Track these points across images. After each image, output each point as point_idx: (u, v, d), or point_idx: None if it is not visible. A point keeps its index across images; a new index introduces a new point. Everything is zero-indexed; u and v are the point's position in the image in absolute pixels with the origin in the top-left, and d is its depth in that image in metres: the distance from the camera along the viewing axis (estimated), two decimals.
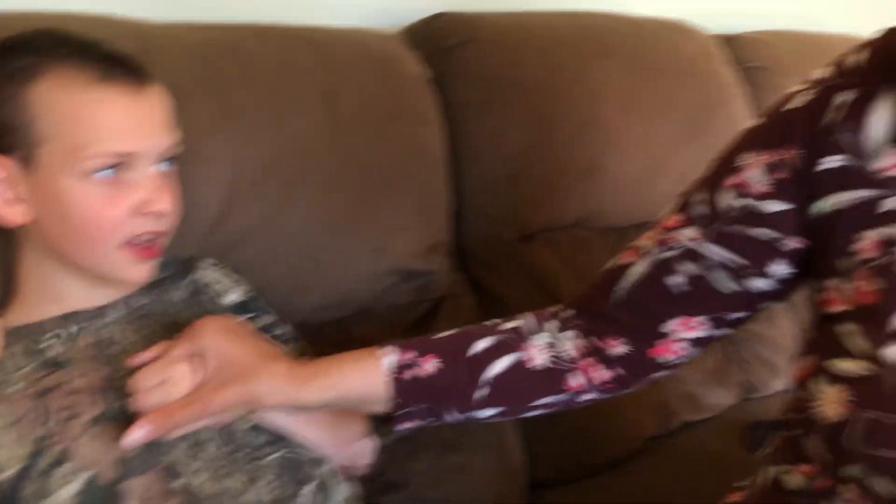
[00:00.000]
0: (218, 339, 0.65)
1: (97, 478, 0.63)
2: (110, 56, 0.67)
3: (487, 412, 0.71)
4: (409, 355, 0.68)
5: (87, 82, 0.65)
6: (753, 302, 0.69)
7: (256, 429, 0.70)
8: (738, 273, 0.67)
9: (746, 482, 0.75)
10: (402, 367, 0.67)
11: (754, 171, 0.66)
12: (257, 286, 0.84)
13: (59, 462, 0.63)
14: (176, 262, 0.79)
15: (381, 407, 0.68)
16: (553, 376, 0.72)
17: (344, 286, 0.95)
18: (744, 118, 1.32)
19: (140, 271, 0.70)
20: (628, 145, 1.17)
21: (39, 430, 0.64)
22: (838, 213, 0.62)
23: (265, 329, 0.79)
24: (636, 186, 1.19)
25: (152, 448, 0.64)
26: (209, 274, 0.80)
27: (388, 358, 0.68)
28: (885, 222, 0.60)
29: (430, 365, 0.68)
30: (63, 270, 0.70)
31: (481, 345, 0.71)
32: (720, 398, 1.21)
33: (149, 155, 0.67)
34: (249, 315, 0.79)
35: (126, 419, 0.64)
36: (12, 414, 0.65)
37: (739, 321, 0.71)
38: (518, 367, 0.71)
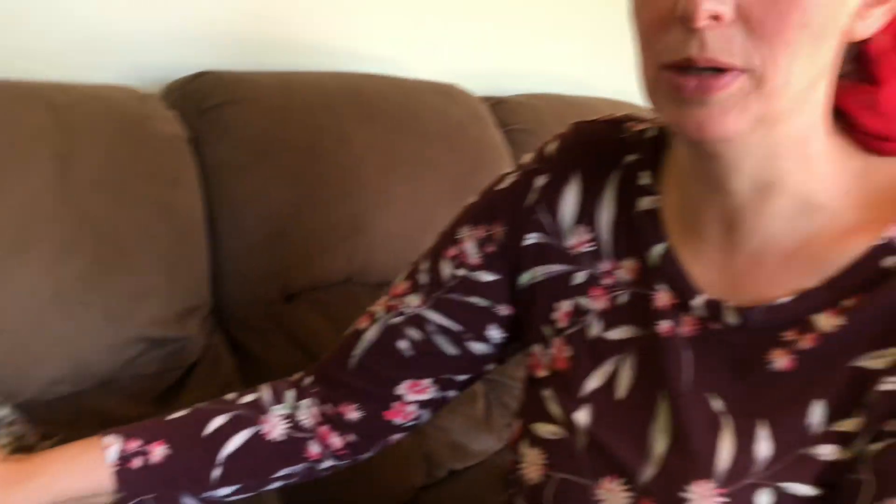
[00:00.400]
0: None
1: None
2: None
3: (225, 490, 0.70)
4: (135, 443, 0.66)
5: None
6: (476, 364, 0.73)
7: None
8: (458, 338, 0.71)
9: None
10: (127, 457, 0.65)
11: (469, 244, 0.71)
12: None
13: None
14: None
15: (106, 500, 0.65)
16: (291, 446, 0.72)
17: (80, 358, 0.90)
18: None
19: None
20: (393, 205, 1.21)
21: None
22: (538, 285, 0.68)
23: None
24: (402, 243, 1.23)
25: None
26: None
27: (111, 448, 0.65)
28: (575, 294, 0.66)
29: (158, 451, 0.67)
30: None
31: (216, 422, 0.70)
32: (486, 444, 1.26)
33: None
34: None
35: None
36: None
37: (466, 382, 0.75)
38: (255, 440, 0.71)
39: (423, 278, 0.73)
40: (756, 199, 0.57)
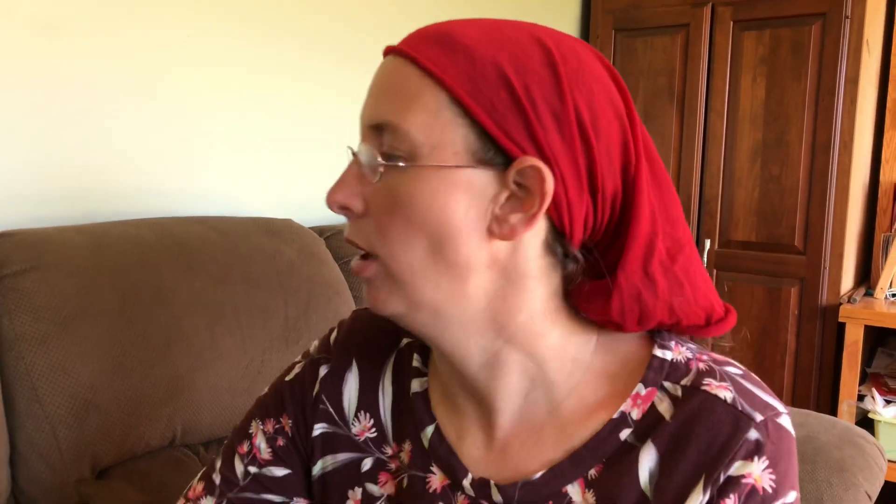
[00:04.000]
0: None
1: None
2: None
3: None
4: None
5: None
6: None
7: None
8: None
9: None
10: None
11: (259, 439, 0.71)
12: None
13: None
14: None
15: None
16: None
17: None
18: (344, 312, 1.40)
19: None
20: (219, 359, 1.16)
21: None
22: (330, 474, 0.68)
23: None
24: (231, 396, 1.18)
25: None
26: None
27: None
28: (365, 481, 0.67)
29: None
30: None
31: None
32: None
33: None
34: None
35: None
36: None
37: None
38: None
39: (217, 478, 0.71)
40: (487, 376, 0.61)
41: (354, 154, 0.59)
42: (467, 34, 0.56)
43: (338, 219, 1.61)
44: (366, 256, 0.59)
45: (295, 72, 1.62)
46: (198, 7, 1.41)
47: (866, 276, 2.44)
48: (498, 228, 0.56)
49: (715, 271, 2.36)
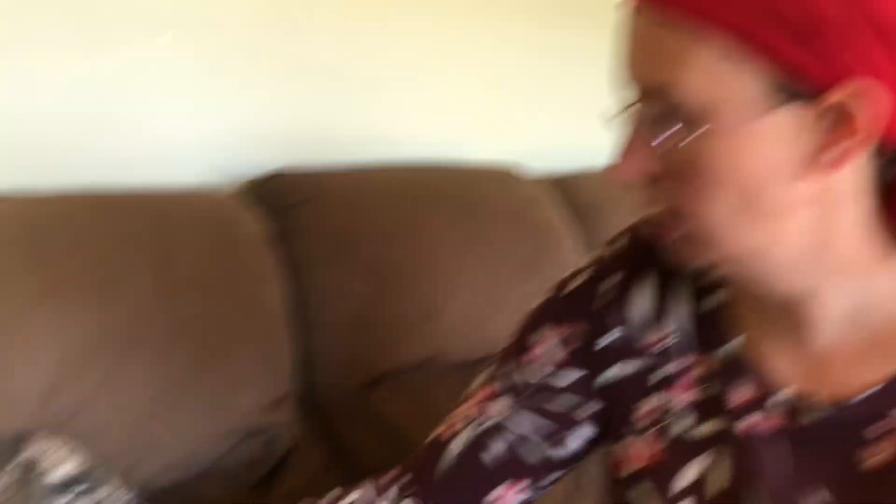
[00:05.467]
0: None
1: None
2: None
3: None
4: None
5: None
6: (562, 466, 0.71)
7: None
8: (543, 444, 0.70)
9: None
10: None
11: (548, 345, 0.70)
12: (96, 454, 0.82)
13: None
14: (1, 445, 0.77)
15: None
16: None
17: (185, 449, 0.94)
18: (574, 257, 1.44)
19: None
20: (466, 287, 1.24)
21: None
22: (618, 384, 0.67)
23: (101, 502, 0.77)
24: (476, 324, 1.26)
25: None
26: (40, 448, 0.78)
27: None
28: (655, 392, 0.65)
29: None
30: None
31: None
32: None
33: None
34: (83, 486, 0.77)
35: None
36: None
37: (553, 483, 0.73)
38: None
39: (503, 385, 0.71)
40: (804, 301, 0.57)
41: (628, 120, 0.55)
42: None
43: (564, 165, 1.65)
44: (663, 217, 0.56)
45: (523, 17, 1.65)
46: None
47: None
48: (817, 164, 0.50)
49: None
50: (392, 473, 0.76)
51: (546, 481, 0.73)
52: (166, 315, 0.95)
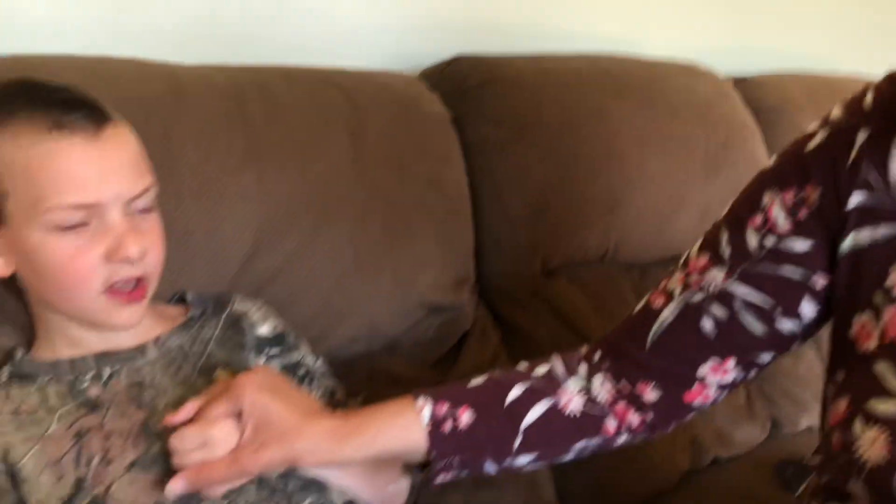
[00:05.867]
0: (258, 398, 0.64)
1: None
2: (63, 102, 0.65)
3: (524, 459, 0.70)
4: (444, 407, 0.68)
5: (36, 133, 0.63)
6: (783, 342, 0.68)
7: (290, 474, 0.69)
8: (767, 314, 0.66)
9: None
10: (439, 420, 0.67)
11: (777, 210, 0.66)
12: (289, 320, 0.84)
13: None
14: (209, 300, 0.79)
15: (418, 457, 0.67)
16: (588, 421, 0.71)
17: (373, 319, 0.95)
18: (761, 157, 1.34)
19: (127, 315, 0.68)
20: (648, 181, 1.18)
21: (77, 472, 0.64)
22: (865, 249, 0.62)
23: (296, 365, 0.79)
24: (657, 221, 1.20)
25: (192, 494, 0.64)
26: (244, 306, 0.80)
27: (424, 411, 0.67)
28: None
29: (465, 416, 0.68)
30: (64, 318, 0.69)
31: (515, 392, 0.70)
32: (749, 434, 1.19)
33: (115, 202, 0.65)
34: (280, 348, 0.79)
35: (162, 466, 0.64)
36: (52, 454, 0.64)
37: (769, 363, 0.70)
38: (553, 412, 0.70)
39: (725, 250, 0.68)
40: None
41: None
42: None
43: (746, 67, 1.54)
44: None
45: None
46: None
47: None
48: None
49: None
50: (582, 351, 0.74)
51: (758, 361, 0.69)
52: (360, 185, 0.94)
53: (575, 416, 0.70)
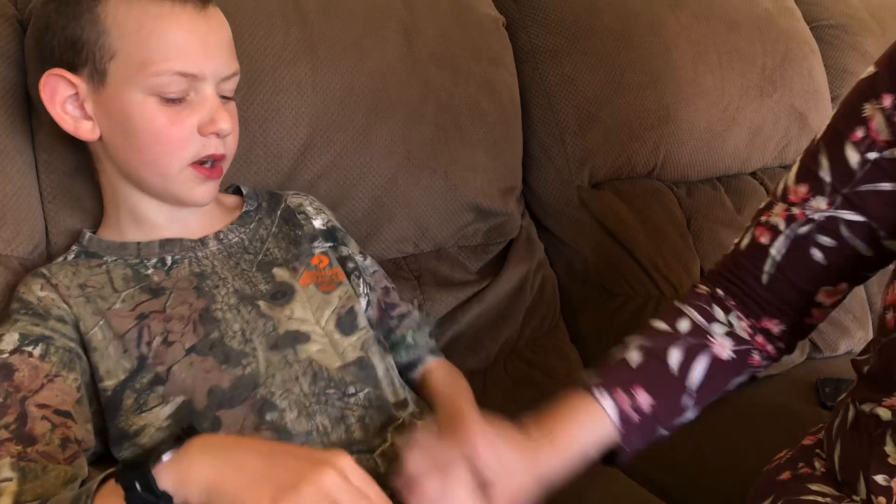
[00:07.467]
0: (493, 456, 0.61)
1: (190, 404, 0.65)
2: None
3: (691, 414, 0.71)
4: (622, 396, 0.68)
5: None
6: (888, 258, 0.67)
7: (344, 368, 0.71)
8: (874, 234, 0.65)
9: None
10: (626, 414, 0.68)
11: (877, 121, 0.63)
12: (340, 216, 0.85)
13: (155, 382, 0.65)
14: (264, 195, 0.80)
15: (602, 448, 0.69)
16: (740, 360, 0.72)
17: (423, 219, 0.96)
18: (819, 77, 1.30)
19: (203, 192, 0.70)
20: (700, 96, 1.15)
21: (140, 350, 0.66)
22: None
23: (345, 258, 0.80)
24: (707, 139, 1.17)
25: (246, 382, 0.66)
26: (298, 199, 0.82)
27: (607, 405, 0.67)
28: None
29: (643, 400, 0.69)
30: (137, 193, 0.71)
31: (675, 357, 0.70)
32: (787, 356, 1.19)
33: (212, 78, 0.67)
34: (331, 244, 0.80)
35: (219, 352, 0.66)
36: (117, 329, 0.67)
37: (870, 276, 0.70)
38: (714, 364, 0.71)
39: (826, 176, 0.65)
40: None
41: None
42: None
43: None
44: None
45: None
46: None
47: None
48: None
49: None
50: (703, 290, 0.74)
51: (867, 276, 0.69)
52: (413, 83, 0.94)
53: (731, 358, 0.71)
